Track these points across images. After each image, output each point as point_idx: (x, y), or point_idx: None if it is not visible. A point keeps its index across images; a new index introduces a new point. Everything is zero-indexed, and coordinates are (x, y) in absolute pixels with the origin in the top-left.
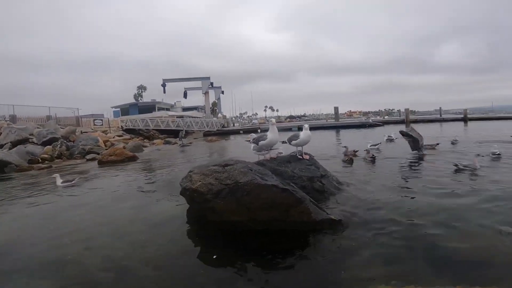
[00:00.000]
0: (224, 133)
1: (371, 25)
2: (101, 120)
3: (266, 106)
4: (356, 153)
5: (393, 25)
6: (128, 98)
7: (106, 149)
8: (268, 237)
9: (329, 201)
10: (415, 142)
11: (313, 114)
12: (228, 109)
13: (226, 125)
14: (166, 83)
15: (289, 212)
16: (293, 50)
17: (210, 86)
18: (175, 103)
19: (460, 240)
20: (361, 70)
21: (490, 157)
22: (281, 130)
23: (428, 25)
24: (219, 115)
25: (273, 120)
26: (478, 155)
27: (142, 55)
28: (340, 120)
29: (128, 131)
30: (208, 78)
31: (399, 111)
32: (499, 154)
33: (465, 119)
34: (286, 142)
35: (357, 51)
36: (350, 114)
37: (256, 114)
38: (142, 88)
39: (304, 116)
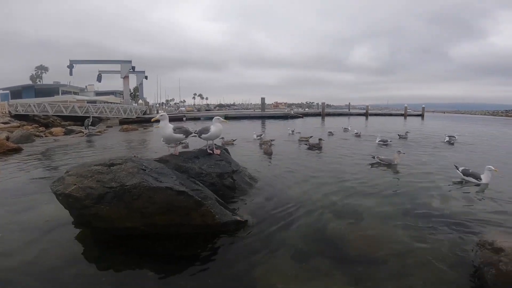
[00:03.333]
0: (145, 120)
1: (300, 23)
2: None
3: (195, 94)
4: (234, 142)
5: (320, 25)
6: (23, 80)
7: None
8: (174, 242)
9: (239, 199)
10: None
11: (242, 103)
12: (153, 96)
13: (148, 112)
14: (74, 65)
15: (190, 216)
16: (226, 40)
17: (131, 70)
18: (86, 86)
19: (360, 236)
20: (288, 64)
21: (378, 145)
22: (208, 118)
23: (348, 28)
24: (140, 101)
25: (163, 113)
26: (399, 151)
27: (46, 33)
28: (266, 110)
29: (19, 117)
30: (130, 61)
31: (318, 104)
32: (387, 141)
33: (366, 114)
34: (196, 135)
35: (286, 47)
36: (276, 105)
37: (184, 101)
38: (42, 69)
39: (233, 105)
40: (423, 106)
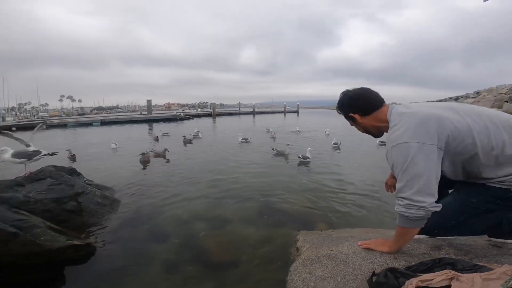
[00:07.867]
0: None
1: (188, 22)
2: None
3: (62, 96)
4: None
5: (210, 25)
6: None
7: None
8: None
9: (87, 222)
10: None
11: (128, 105)
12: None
13: None
14: None
15: (8, 247)
16: (105, 37)
17: None
18: None
19: (223, 240)
20: (180, 64)
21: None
22: (77, 125)
23: (236, 29)
24: None
25: None
26: (288, 144)
27: None
28: (153, 113)
29: None
30: None
31: (211, 104)
32: (247, 139)
33: (253, 113)
34: None
35: (174, 45)
36: (168, 106)
37: (47, 105)
38: None
39: (117, 107)
40: (298, 103)
